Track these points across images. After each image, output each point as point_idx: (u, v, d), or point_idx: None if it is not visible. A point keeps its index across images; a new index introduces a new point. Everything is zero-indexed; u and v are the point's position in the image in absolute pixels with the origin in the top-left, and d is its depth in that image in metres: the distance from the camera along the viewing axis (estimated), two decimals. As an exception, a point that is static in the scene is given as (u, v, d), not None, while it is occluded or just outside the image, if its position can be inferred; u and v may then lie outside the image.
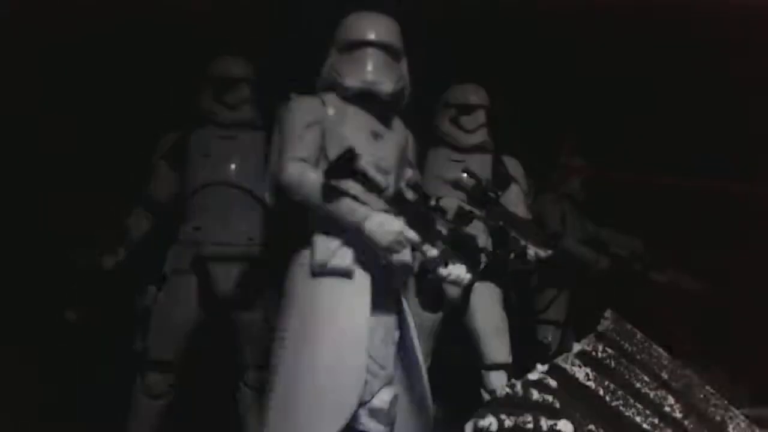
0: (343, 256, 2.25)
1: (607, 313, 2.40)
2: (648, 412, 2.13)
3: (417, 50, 2.58)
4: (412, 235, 2.19)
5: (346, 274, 2.26)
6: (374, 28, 2.41)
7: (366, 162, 2.12)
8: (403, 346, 2.43)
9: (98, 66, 4.11)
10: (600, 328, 2.33)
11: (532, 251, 3.52)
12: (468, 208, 2.90)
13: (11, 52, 3.87)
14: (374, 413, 2.30)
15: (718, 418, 2.12)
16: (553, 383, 2.13)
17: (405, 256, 2.38)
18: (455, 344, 3.42)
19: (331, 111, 2.39)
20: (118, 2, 4.00)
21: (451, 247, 2.25)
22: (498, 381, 3.25)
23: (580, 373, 2.16)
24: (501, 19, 4.33)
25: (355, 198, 2.20)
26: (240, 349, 3.16)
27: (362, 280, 2.28)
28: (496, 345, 3.32)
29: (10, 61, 3.88)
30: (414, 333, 2.43)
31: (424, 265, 3.14)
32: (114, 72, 4.11)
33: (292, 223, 3.25)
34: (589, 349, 2.21)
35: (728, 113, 4.34)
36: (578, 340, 2.37)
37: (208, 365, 4.21)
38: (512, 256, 3.43)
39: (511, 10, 4.25)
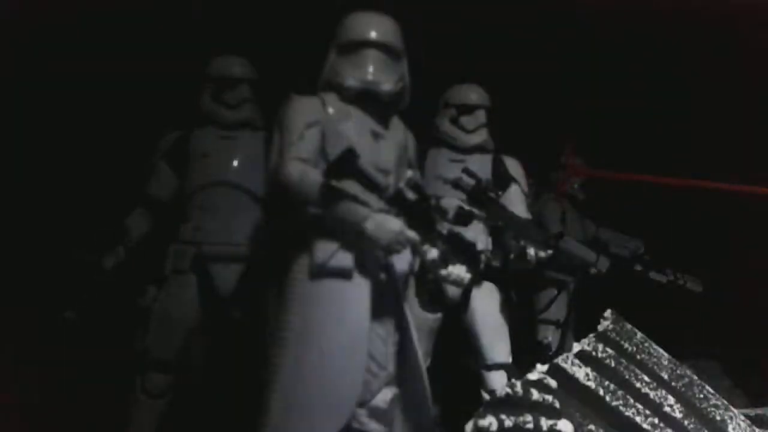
0: (343, 257, 2.25)
1: (607, 313, 2.40)
2: (648, 412, 2.13)
3: (417, 49, 2.58)
4: (412, 235, 2.19)
5: (346, 274, 2.25)
6: (374, 28, 2.41)
7: (366, 162, 2.12)
8: (403, 347, 2.42)
9: (98, 66, 4.11)
10: (600, 328, 2.33)
11: (532, 251, 3.52)
12: (468, 208, 2.90)
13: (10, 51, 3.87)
14: (374, 413, 2.30)
15: (718, 418, 2.12)
16: (553, 383, 2.12)
17: (405, 256, 2.38)
18: (455, 344, 3.41)
19: (331, 111, 2.39)
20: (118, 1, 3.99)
21: (451, 248, 2.24)
22: (498, 381, 3.24)
23: (580, 373, 2.16)
24: (501, 19, 4.34)
25: (355, 198, 2.20)
26: (239, 349, 3.16)
27: (362, 280, 2.28)
28: (496, 345, 3.32)
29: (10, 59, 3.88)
30: (414, 333, 2.43)
31: (424, 265, 3.16)
32: (114, 72, 4.12)
33: (292, 223, 3.26)
34: (589, 349, 2.21)
35: (728, 114, 4.35)
36: (578, 340, 2.37)
37: (208, 365, 4.22)
38: (512, 256, 3.44)
39: (512, 11, 4.25)
